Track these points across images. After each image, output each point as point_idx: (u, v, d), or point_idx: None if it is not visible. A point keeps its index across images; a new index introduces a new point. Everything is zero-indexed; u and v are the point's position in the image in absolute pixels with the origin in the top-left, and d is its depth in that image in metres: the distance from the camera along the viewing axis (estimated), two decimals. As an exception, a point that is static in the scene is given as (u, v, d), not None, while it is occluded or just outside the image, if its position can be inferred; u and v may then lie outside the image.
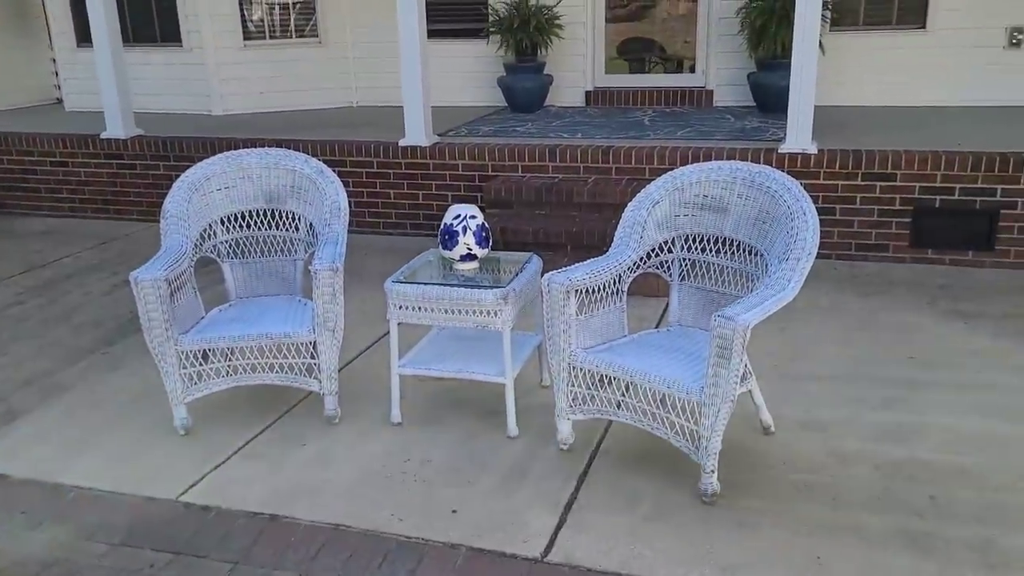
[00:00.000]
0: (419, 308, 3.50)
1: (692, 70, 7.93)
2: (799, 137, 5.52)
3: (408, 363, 3.64)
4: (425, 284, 3.49)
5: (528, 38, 7.52)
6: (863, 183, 5.48)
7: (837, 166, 5.49)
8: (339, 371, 4.02)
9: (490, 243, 3.64)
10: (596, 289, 3.37)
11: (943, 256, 5.45)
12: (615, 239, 3.55)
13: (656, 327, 4.53)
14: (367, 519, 3.01)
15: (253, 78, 8.19)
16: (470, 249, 3.57)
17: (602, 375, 3.25)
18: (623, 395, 3.24)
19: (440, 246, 3.63)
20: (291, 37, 8.35)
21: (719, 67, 7.70)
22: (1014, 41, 6.97)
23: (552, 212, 5.81)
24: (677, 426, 3.09)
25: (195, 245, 3.85)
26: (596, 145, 6.09)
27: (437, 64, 7.88)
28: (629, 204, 3.59)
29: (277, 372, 3.63)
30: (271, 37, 8.27)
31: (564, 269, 3.31)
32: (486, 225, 3.63)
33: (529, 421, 3.63)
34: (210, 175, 3.94)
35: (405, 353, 3.71)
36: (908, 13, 7.22)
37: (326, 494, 3.17)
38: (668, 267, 3.61)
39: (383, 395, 3.86)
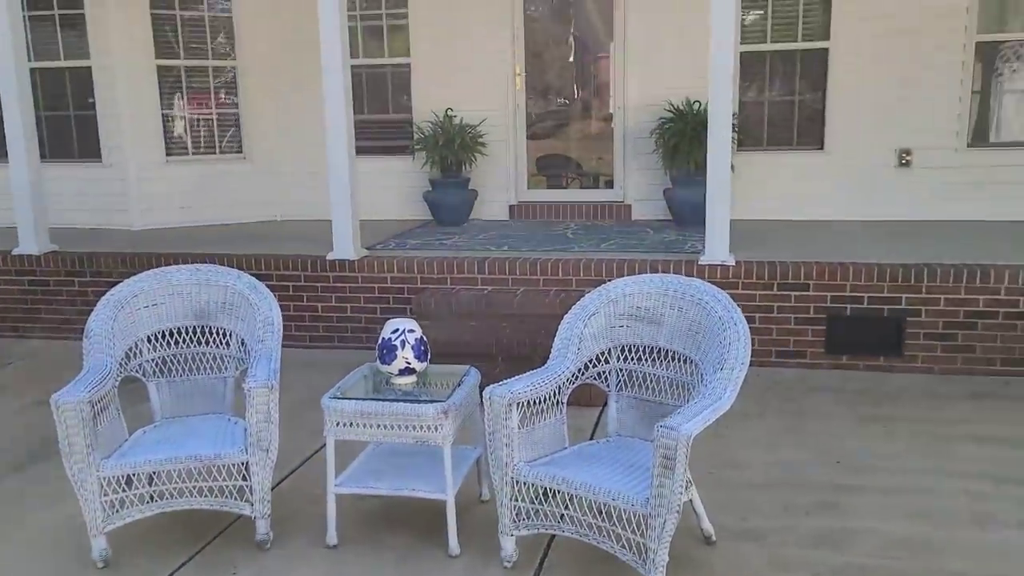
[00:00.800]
0: (357, 424, 3.44)
1: (611, 185, 8.26)
2: (717, 249, 5.77)
3: (345, 481, 3.54)
4: (363, 400, 3.44)
5: (453, 155, 7.74)
6: (779, 292, 5.73)
7: (754, 276, 5.74)
8: (282, 482, 3.89)
9: (428, 357, 3.64)
10: (537, 401, 3.38)
11: (857, 362, 5.69)
12: (553, 351, 3.60)
13: (591, 437, 4.56)
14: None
15: (175, 192, 8.14)
16: (408, 363, 3.56)
17: (546, 488, 3.23)
18: (567, 508, 3.22)
19: (378, 360, 3.61)
20: (215, 152, 8.37)
21: (636, 182, 8.05)
22: (903, 162, 7.53)
23: (482, 323, 5.85)
24: (623, 539, 3.07)
25: (119, 364, 3.72)
26: (524, 257, 6.22)
27: (363, 179, 8.00)
28: (566, 316, 3.66)
29: (206, 496, 3.47)
30: (195, 152, 8.27)
31: (505, 382, 3.32)
32: (424, 339, 3.63)
33: (470, 537, 3.55)
34: (137, 292, 3.86)
35: (342, 471, 3.62)
36: (806, 135, 7.76)
37: (260, 626, 3.00)
38: (606, 377, 3.67)
39: (316, 515, 3.73)
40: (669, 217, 7.82)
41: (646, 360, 3.60)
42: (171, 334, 3.92)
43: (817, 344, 5.73)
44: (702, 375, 3.33)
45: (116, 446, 3.53)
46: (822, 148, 7.68)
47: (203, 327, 3.95)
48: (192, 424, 3.79)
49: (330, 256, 6.35)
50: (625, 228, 7.62)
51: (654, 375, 3.58)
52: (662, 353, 3.55)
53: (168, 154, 8.14)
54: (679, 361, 3.49)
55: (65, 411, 3.24)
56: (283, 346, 6.45)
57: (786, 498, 3.88)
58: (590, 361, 3.62)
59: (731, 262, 5.78)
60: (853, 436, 4.58)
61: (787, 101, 7.78)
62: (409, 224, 8.06)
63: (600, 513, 3.13)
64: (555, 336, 3.64)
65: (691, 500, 3.37)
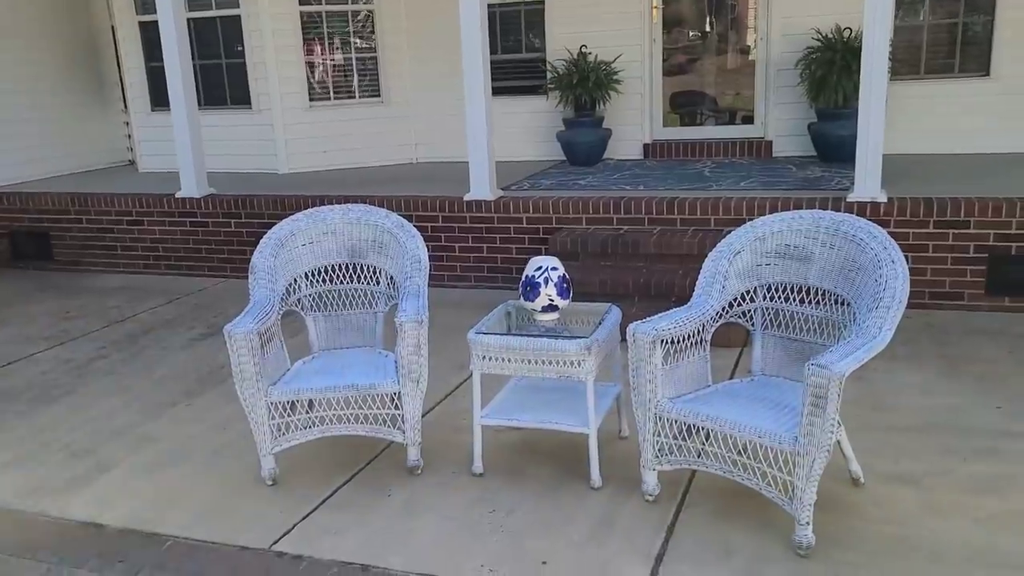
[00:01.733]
0: (502, 359, 3.54)
1: (750, 121, 7.97)
2: (868, 185, 5.50)
3: (490, 413, 3.66)
4: (508, 335, 3.53)
5: (587, 93, 7.66)
6: (935, 231, 5.43)
7: (908, 214, 5.46)
8: (431, 411, 4.07)
9: (570, 294, 3.68)
10: (681, 339, 3.38)
11: (1021, 304, 5.35)
12: (696, 289, 3.56)
13: (731, 377, 4.51)
14: (459, 570, 3.02)
15: (318, 137, 8.44)
16: (552, 300, 3.61)
17: (689, 425, 3.24)
18: (711, 445, 3.22)
19: (522, 297, 3.68)
20: (354, 97, 8.61)
21: (778, 117, 7.74)
22: (1080, 86, 6.91)
23: (618, 263, 5.85)
24: (769, 476, 3.06)
25: (281, 299, 3.95)
26: (660, 196, 6.13)
27: (498, 120, 8.05)
28: (710, 254, 3.61)
29: (362, 423, 3.67)
30: (335, 97, 8.54)
31: (649, 319, 3.33)
32: (567, 276, 3.67)
33: (611, 471, 3.62)
34: (295, 231, 4.06)
35: (486, 404, 3.74)
36: (970, 61, 7.21)
37: (415, 545, 3.18)
38: (751, 316, 3.61)
39: (462, 445, 3.89)
40: (813, 153, 7.50)
41: (794, 299, 3.51)
42: (326, 271, 4.12)
43: (977, 285, 5.41)
44: (855, 314, 3.23)
45: (280, 374, 3.77)
46: (987, 74, 7.13)
47: (355, 264, 4.13)
48: (347, 356, 4.00)
49: (467, 197, 6.46)
50: (766, 165, 7.37)
51: (802, 314, 3.50)
52: (811, 292, 3.46)
53: (311, 99, 8.43)
54: (829, 300, 3.39)
55: (237, 341, 3.48)
56: (424, 285, 6.70)
57: (942, 443, 3.74)
58: (735, 300, 3.57)
59: (882, 198, 5.51)
60: (1016, 381, 4.34)
61: (948, 24, 7.24)
62: (543, 164, 8.08)
63: (745, 451, 3.12)
64: (698, 274, 3.61)
65: (839, 442, 3.30)
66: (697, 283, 3.58)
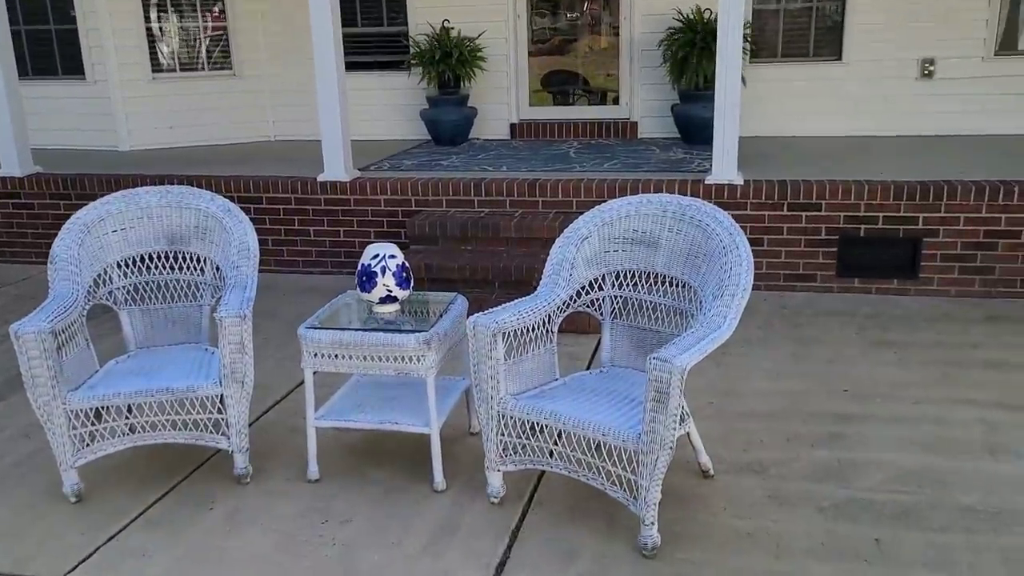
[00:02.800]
0: (336, 356, 3.26)
1: (616, 102, 7.90)
2: (725, 168, 5.48)
3: (325, 414, 3.38)
4: (341, 330, 3.25)
5: (451, 70, 7.38)
6: (789, 213, 5.46)
7: (763, 196, 5.46)
8: (252, 424, 3.77)
9: (411, 284, 3.43)
10: (525, 331, 3.18)
11: (869, 285, 5.46)
12: (543, 277, 3.38)
13: (588, 367, 4.38)
14: (279, 593, 2.74)
15: (163, 112, 7.84)
16: (389, 291, 3.35)
17: (533, 423, 3.05)
18: (556, 444, 3.04)
19: (358, 288, 3.40)
20: (203, 69, 8.03)
21: (643, 99, 7.69)
22: (926, 72, 7.14)
23: (478, 248, 5.63)
24: (614, 475, 2.91)
25: (88, 292, 3.53)
26: (522, 178, 5.94)
27: (358, 97, 7.70)
28: (557, 240, 3.43)
29: (181, 430, 3.32)
30: (182, 69, 7.94)
31: (491, 311, 3.12)
32: (406, 265, 3.42)
33: (457, 471, 3.41)
34: (104, 215, 3.64)
35: (323, 403, 3.46)
36: (824, 45, 7.34)
37: (231, 564, 2.88)
38: (599, 305, 3.46)
39: (300, 449, 3.59)
40: (677, 135, 7.49)
41: (642, 287, 3.38)
42: (142, 260, 3.72)
43: (828, 267, 5.48)
44: (701, 302, 3.11)
45: (86, 377, 3.37)
46: (840, 59, 7.28)
47: (176, 253, 3.75)
48: (167, 354, 3.63)
49: (320, 177, 6.10)
50: (631, 147, 7.30)
51: (650, 302, 3.37)
52: (659, 279, 3.33)
53: (154, 71, 7.81)
54: (677, 287, 3.27)
55: (26, 341, 3.07)
56: (275, 271, 6.31)
57: (790, 429, 3.71)
58: (582, 288, 3.41)
59: (739, 181, 5.49)
60: (863, 363, 4.38)
61: (804, 8, 7.34)
62: (406, 144, 7.76)
63: (590, 449, 2.96)
64: (547, 259, 3.42)
65: (688, 433, 3.20)
66: (544, 271, 3.40)
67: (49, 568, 2.87)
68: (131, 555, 2.94)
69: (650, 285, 3.37)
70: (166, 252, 3.74)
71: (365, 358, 3.24)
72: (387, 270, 3.34)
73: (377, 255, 3.36)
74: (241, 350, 3.26)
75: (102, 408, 3.25)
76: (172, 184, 6.18)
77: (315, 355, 3.28)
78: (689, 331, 2.89)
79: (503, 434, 3.11)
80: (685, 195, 5.44)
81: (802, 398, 4.01)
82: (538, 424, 3.04)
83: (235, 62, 8.09)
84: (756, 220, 5.49)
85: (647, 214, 3.33)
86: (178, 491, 3.34)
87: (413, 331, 3.21)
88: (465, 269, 5.33)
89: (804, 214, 5.44)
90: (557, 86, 8.09)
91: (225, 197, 6.15)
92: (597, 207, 3.43)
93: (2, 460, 3.63)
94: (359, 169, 6.39)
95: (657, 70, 7.47)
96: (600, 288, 3.44)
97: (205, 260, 3.73)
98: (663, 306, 3.33)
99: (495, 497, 3.19)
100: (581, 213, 5.45)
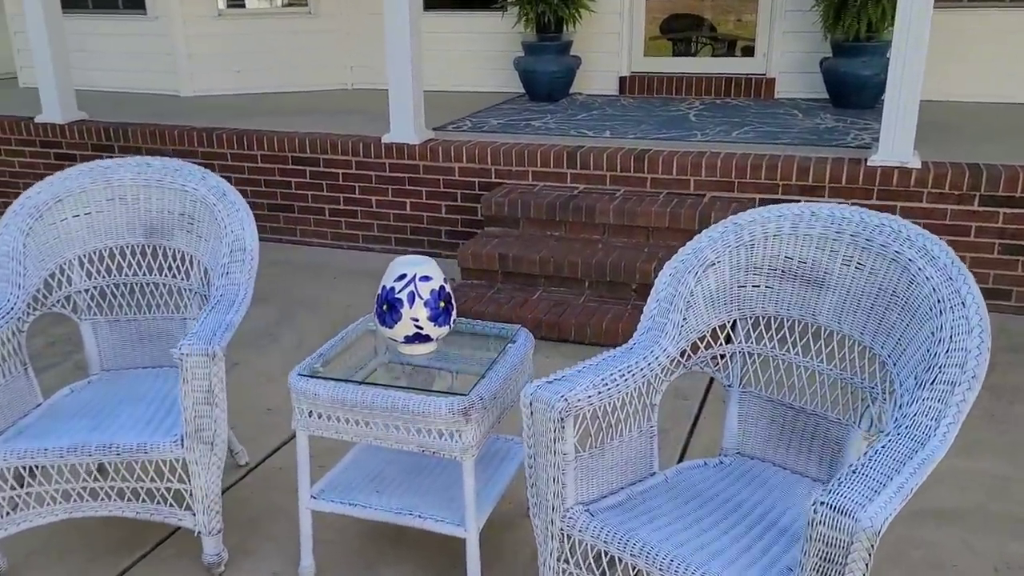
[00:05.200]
0: (335, 418, 2.28)
1: (750, 53, 6.56)
2: (898, 145, 4.18)
3: (325, 491, 2.42)
4: (344, 382, 2.26)
5: (551, 11, 6.21)
6: (980, 209, 4.14)
7: (947, 185, 4.15)
8: (251, 472, 2.86)
9: (451, 316, 2.40)
10: (611, 409, 2.12)
11: (1085, 309, 4.11)
12: (642, 321, 2.29)
13: (683, 450, 3.25)
14: None
15: (229, 53, 7.00)
16: (419, 327, 2.34)
17: (613, 555, 2.00)
18: (647, 590, 1.99)
19: (377, 320, 2.40)
20: (276, 5, 7.13)
21: (784, 50, 6.33)
22: None
23: (568, 234, 4.55)
24: (736, 663, 1.84)
25: (35, 298, 2.66)
26: (628, 148, 4.79)
27: (440, 41, 6.68)
28: (666, 266, 2.32)
29: (131, 500, 2.43)
30: (251, 5, 7.05)
31: (558, 377, 2.06)
32: (446, 289, 2.38)
33: (507, 571, 2.41)
34: (62, 195, 2.74)
35: (327, 472, 2.51)
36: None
37: None
38: (725, 365, 2.35)
39: (297, 523, 2.67)
40: (824, 95, 6.13)
41: (794, 343, 2.25)
42: (111, 256, 2.83)
43: (1028, 283, 4.16)
44: (891, 382, 1.97)
45: (17, 416, 2.51)
46: None
47: (155, 248, 2.84)
48: (133, 384, 2.74)
49: (386, 138, 5.11)
50: (766, 108, 6.01)
51: (805, 368, 2.24)
52: (822, 334, 2.19)
53: (222, 7, 6.95)
54: (852, 350, 2.13)
55: (-85, 378, 2.21)
56: (331, 246, 5.40)
57: (995, 546, 2.52)
58: (701, 338, 2.30)
59: (915, 163, 4.20)
60: (1092, 437, 3.12)
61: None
62: (495, 98, 6.68)
63: (700, 615, 1.89)
64: (649, 294, 2.33)
65: None
66: (644, 311, 2.30)
67: None
68: None
69: (807, 342, 2.24)
70: (143, 246, 2.83)
71: (376, 425, 2.25)
72: (417, 297, 2.32)
73: (403, 275, 2.34)
74: (209, 400, 2.32)
75: (21, 469, 2.38)
76: (222, 136, 5.34)
77: (309, 414, 2.31)
78: (875, 444, 1.76)
79: (566, 561, 2.07)
80: (839, 178, 4.23)
81: (1010, 488, 2.81)
82: (617, 558, 1.98)
83: (311, -2, 7.14)
84: (933, 216, 4.19)
85: (809, 234, 2.18)
86: (127, 580, 2.47)
87: (446, 393, 2.20)
88: (548, 262, 4.27)
89: (1002, 211, 4.11)
90: (678, 32, 6.81)
91: (277, 155, 5.32)
92: (732, 219, 2.29)
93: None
94: (434, 128, 5.37)
95: (806, 15, 6.10)
96: (728, 340, 2.33)
97: (191, 259, 2.80)
98: (825, 377, 2.20)
99: (553, 642, 2.17)
100: (701, 197, 4.27)
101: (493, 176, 4.94)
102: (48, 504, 2.41)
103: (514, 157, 4.88)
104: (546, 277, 4.30)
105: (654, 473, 2.26)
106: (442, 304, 2.35)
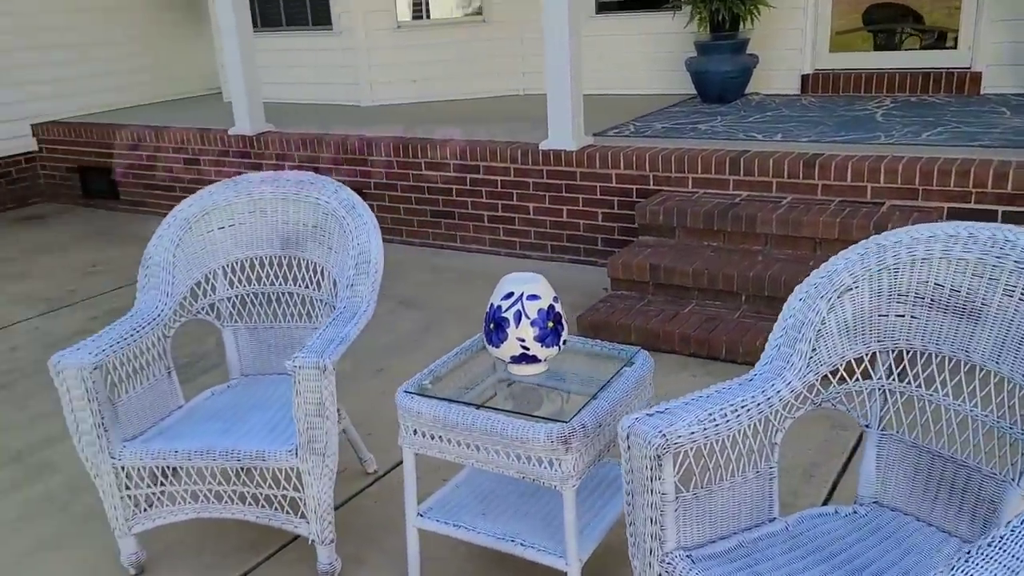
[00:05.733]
0: (438, 437, 2.24)
1: (952, 44, 5.93)
2: (1118, 148, 3.60)
3: (433, 509, 2.39)
4: (448, 402, 2.21)
5: (726, 9, 5.92)
6: None
7: None
8: (364, 490, 2.89)
9: (561, 337, 2.29)
10: (720, 448, 1.93)
11: None
12: (765, 352, 2.07)
13: (827, 499, 2.92)
14: None
15: (406, 64, 7.22)
16: (526, 347, 2.24)
17: (714, 611, 1.82)
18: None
19: (484, 339, 2.33)
20: (451, 15, 7.28)
21: (993, 40, 5.67)
22: None
23: (726, 244, 4.29)
24: None
25: (181, 304, 2.82)
26: (799, 152, 4.46)
27: (612, 44, 6.57)
28: (798, 288, 2.09)
29: (251, 504, 2.51)
30: (426, 17, 7.25)
31: (662, 409, 1.90)
32: (556, 309, 2.28)
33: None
34: (209, 208, 2.89)
35: (439, 489, 2.48)
36: None
37: None
38: (861, 403, 2.08)
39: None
40: (1038, 90, 5.44)
41: (944, 382, 1.95)
42: (252, 266, 2.95)
43: None
44: (1059, 441, 1.65)
45: (159, 418, 2.67)
46: None
47: (290, 259, 2.93)
48: (266, 389, 2.84)
49: (543, 145, 5.05)
50: (967, 106, 5.41)
51: (956, 412, 1.93)
52: (978, 372, 1.88)
53: (403, 19, 7.19)
54: (1010, 394, 1.81)
55: (68, 377, 2.39)
56: (488, 252, 5.42)
57: None
58: (834, 372, 2.05)
59: None
60: None
61: None
62: (665, 100, 6.46)
63: None
64: (776, 321, 2.11)
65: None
66: (769, 340, 2.08)
67: None
68: None
69: (959, 382, 1.94)
70: (279, 258, 2.93)
71: (477, 448, 2.18)
72: (524, 316, 2.23)
73: (511, 294, 2.25)
74: (320, 412, 2.35)
75: (156, 468, 2.52)
76: (384, 144, 5.50)
77: (414, 432, 2.28)
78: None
79: (667, 612, 1.90)
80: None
81: None
82: (722, 617, 1.80)
83: (485, 7, 7.23)
84: None
85: (965, 259, 1.88)
86: (248, 582, 2.55)
87: (546, 420, 2.09)
88: (702, 274, 4.04)
89: None
90: (883, 24, 6.25)
91: (440, 162, 5.41)
92: (875, 238, 2.03)
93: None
94: (595, 134, 5.26)
95: (1018, 1, 5.43)
96: (866, 375, 2.06)
97: (322, 270, 2.87)
98: (980, 423, 1.89)
99: None
100: (879, 205, 3.95)
101: (651, 183, 4.76)
102: (179, 503, 2.54)
103: (673, 163, 4.67)
104: (700, 290, 4.08)
105: (774, 519, 2.04)
106: (550, 324, 2.25)
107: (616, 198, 4.88)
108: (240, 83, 6.14)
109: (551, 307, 2.26)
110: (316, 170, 5.93)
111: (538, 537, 2.24)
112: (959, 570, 1.34)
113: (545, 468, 2.10)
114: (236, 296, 2.95)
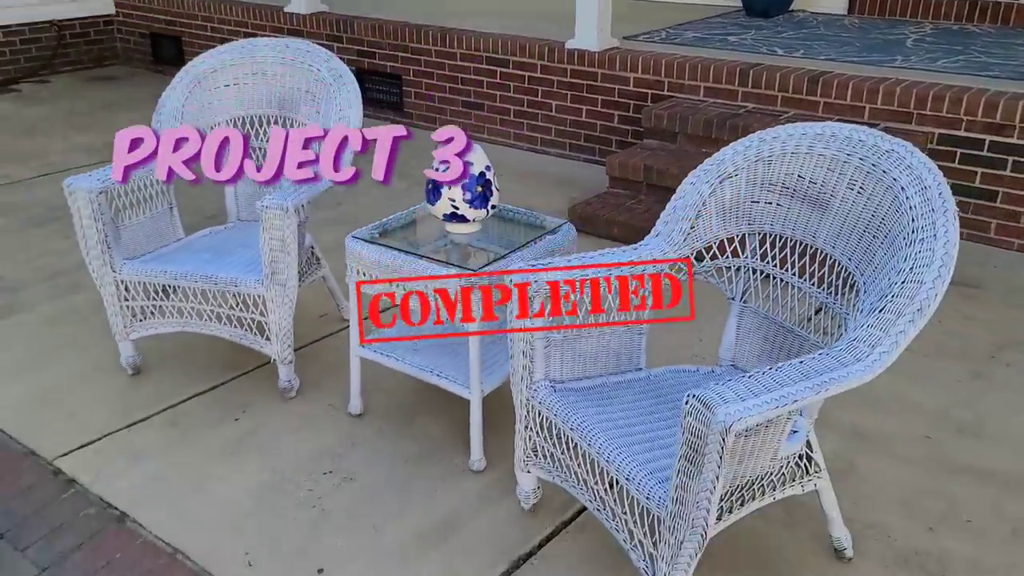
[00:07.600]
0: (376, 277, 2.60)
1: (1005, -26, 5.80)
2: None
3: (375, 344, 2.78)
4: (384, 247, 2.57)
5: (776, -80, 5.88)
6: None
7: None
8: (345, 330, 3.28)
9: (488, 203, 2.60)
10: (591, 298, 2.23)
11: None
12: (656, 225, 2.35)
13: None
14: (214, 554, 2.28)
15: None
16: (455, 207, 2.57)
17: (559, 429, 2.16)
18: (578, 463, 2.13)
19: (426, 198, 2.66)
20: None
21: (1044, -29, 5.54)
22: None
23: (721, 152, 4.47)
24: (636, 539, 1.96)
25: (188, 151, 3.21)
26: (806, 69, 4.55)
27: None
28: (690, 175, 2.35)
29: (226, 324, 2.94)
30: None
31: (546, 261, 2.21)
32: (487, 176, 2.58)
33: (505, 433, 2.65)
34: (218, 67, 3.26)
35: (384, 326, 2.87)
36: None
37: (190, 503, 2.47)
38: (730, 278, 2.35)
39: (376, 369, 3.06)
40: (1084, 26, 5.32)
41: (793, 264, 2.21)
42: (251, 123, 3.31)
43: None
44: (858, 310, 1.91)
45: (157, 246, 3.11)
46: None
47: (285, 119, 3.28)
48: (255, 231, 3.24)
49: (569, 44, 5.23)
50: (1004, 36, 5.34)
51: (799, 289, 2.20)
52: (818, 257, 2.13)
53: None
54: (839, 276, 2.07)
55: (78, 199, 2.83)
56: (511, 146, 5.68)
57: (1029, 522, 2.34)
58: (706, 248, 2.32)
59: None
60: None
61: None
62: (710, 11, 6.49)
63: (611, 488, 2.02)
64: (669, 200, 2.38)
65: (817, 489, 2.09)
66: (661, 214, 2.36)
67: (51, 446, 2.71)
68: (123, 454, 2.67)
69: (804, 264, 2.19)
70: (276, 116, 3.29)
71: (408, 288, 2.54)
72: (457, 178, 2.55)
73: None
74: (283, 248, 2.73)
75: (148, 284, 2.96)
76: (427, 34, 5.72)
77: (358, 273, 2.65)
78: (804, 357, 1.76)
79: (530, 429, 2.26)
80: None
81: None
82: (564, 436, 2.14)
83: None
84: None
85: (823, 154, 2.11)
86: (219, 391, 3.01)
87: (455, 265, 2.43)
88: (690, 178, 4.24)
89: None
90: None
91: (474, 54, 5.61)
92: (759, 133, 2.26)
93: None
94: (625, 37, 5.40)
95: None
96: (736, 255, 2.32)
97: (311, 132, 3.21)
98: (814, 300, 2.15)
99: (525, 502, 2.40)
100: (872, 126, 4.07)
101: (665, 89, 4.92)
102: (168, 317, 2.99)
103: (687, 71, 4.82)
104: (685, 192, 4.29)
105: (640, 369, 2.36)
106: (479, 188, 2.56)
107: (632, 101, 5.06)
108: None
109: (482, 174, 2.57)
110: (360, 51, 6.23)
111: (453, 371, 2.61)
112: (711, 387, 1.64)
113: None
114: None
